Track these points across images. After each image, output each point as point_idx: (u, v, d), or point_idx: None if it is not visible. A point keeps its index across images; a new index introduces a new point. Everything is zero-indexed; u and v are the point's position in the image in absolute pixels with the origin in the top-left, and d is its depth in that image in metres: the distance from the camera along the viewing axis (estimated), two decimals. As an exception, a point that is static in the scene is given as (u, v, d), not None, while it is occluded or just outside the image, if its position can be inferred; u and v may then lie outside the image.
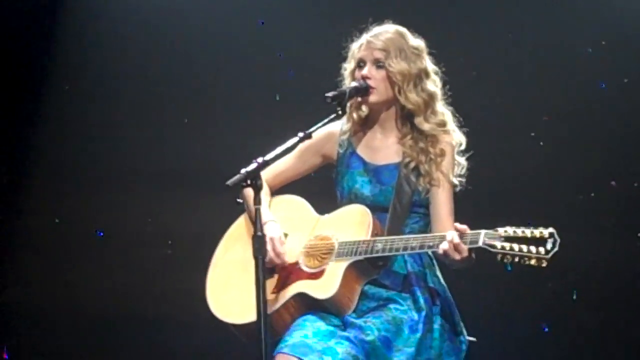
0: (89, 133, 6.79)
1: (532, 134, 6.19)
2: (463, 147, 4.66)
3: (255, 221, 4.09)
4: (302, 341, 4.30)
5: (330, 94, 4.52)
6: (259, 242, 4.06)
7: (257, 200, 4.09)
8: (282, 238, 4.56)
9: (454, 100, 4.70)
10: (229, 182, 4.05)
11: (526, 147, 6.18)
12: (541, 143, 6.18)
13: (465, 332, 4.58)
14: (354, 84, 4.58)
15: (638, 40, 6.09)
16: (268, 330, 4.06)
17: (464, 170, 4.67)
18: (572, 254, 5.97)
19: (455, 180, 4.63)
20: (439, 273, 4.62)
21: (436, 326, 4.47)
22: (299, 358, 4.26)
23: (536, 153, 6.18)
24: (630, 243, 6.03)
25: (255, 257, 4.05)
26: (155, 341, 6.54)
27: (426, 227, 4.58)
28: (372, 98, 4.58)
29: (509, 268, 5.82)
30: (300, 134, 4.35)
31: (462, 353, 4.52)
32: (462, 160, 4.68)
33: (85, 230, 6.76)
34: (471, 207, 4.34)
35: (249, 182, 4.07)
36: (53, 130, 6.84)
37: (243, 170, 4.09)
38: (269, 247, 4.49)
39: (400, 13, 4.74)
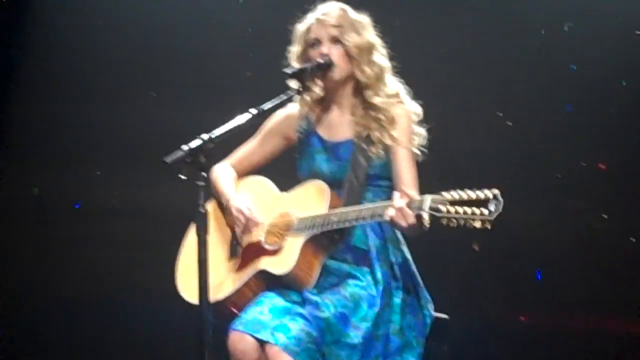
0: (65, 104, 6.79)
1: (500, 114, 6.18)
2: (420, 117, 4.62)
3: (199, 198, 3.98)
4: (256, 318, 4.28)
5: (289, 70, 4.48)
6: (200, 218, 3.97)
7: (200, 177, 3.97)
8: (249, 207, 4.56)
9: (425, 77, 4.69)
10: (168, 159, 3.96)
11: (493, 126, 6.15)
12: (509, 123, 6.17)
13: (431, 306, 4.52)
14: (315, 61, 4.52)
15: (605, 23, 6.07)
16: (210, 308, 4.00)
17: (424, 141, 4.63)
18: (537, 234, 6.05)
19: (416, 150, 4.61)
20: (403, 247, 4.57)
21: (397, 300, 4.43)
22: (251, 334, 4.24)
23: (503, 132, 6.17)
24: (596, 223, 6.02)
25: (198, 234, 3.97)
26: (128, 315, 6.54)
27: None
28: (336, 75, 4.54)
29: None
30: (253, 110, 4.29)
31: (427, 327, 4.48)
32: (422, 131, 4.63)
33: (63, 203, 6.75)
34: (435, 183, 4.30)
35: (190, 159, 3.97)
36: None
37: (185, 147, 3.99)
38: (239, 216, 4.54)
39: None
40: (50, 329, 6.65)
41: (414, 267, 4.59)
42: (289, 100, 4.52)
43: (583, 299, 5.99)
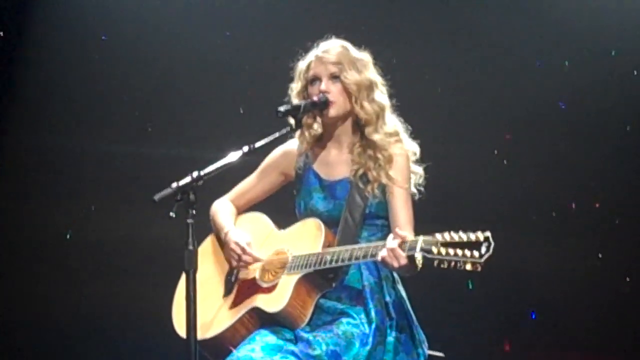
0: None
1: (495, 152, 6.18)
2: (417, 156, 4.60)
3: (188, 235, 4.02)
4: (248, 356, 4.25)
5: (282, 108, 4.45)
6: (189, 255, 3.99)
7: (189, 214, 4.01)
8: (248, 242, 4.54)
9: (420, 114, 4.67)
10: (156, 196, 3.99)
11: (489, 165, 6.16)
12: (505, 162, 6.16)
13: (425, 345, 4.48)
14: (311, 99, 4.52)
15: (599, 62, 6.09)
16: (198, 344, 4.03)
17: (421, 180, 4.61)
18: (533, 273, 6.03)
19: (413, 189, 4.58)
20: (399, 285, 4.54)
21: (390, 339, 4.39)
22: None
23: (499, 171, 6.16)
24: (591, 263, 6.01)
25: (186, 271, 3.98)
26: (117, 348, 6.51)
27: (386, 239, 4.47)
28: (332, 112, 4.52)
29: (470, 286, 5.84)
30: (245, 148, 4.30)
31: None
32: (419, 170, 4.61)
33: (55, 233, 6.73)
34: (431, 222, 4.30)
35: (179, 196, 4.01)
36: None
37: (174, 185, 4.02)
38: (237, 250, 4.52)
39: (366, 29, 4.75)
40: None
41: (409, 306, 4.55)
42: (284, 137, 4.51)
43: (578, 338, 5.97)
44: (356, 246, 4.34)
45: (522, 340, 6.07)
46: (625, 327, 5.90)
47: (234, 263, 4.58)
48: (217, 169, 4.17)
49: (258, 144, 4.34)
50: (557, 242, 6.00)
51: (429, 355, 4.53)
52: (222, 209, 4.76)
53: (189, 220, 4.00)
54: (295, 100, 4.59)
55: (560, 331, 6.00)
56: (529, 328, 6.04)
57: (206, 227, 4.73)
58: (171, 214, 3.97)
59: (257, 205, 4.80)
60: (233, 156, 4.26)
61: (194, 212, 4.01)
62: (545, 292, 5.99)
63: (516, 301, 6.00)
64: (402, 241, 4.12)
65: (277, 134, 4.44)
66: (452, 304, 5.99)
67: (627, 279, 5.92)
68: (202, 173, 4.08)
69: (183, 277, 4.53)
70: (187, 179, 4.04)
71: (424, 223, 4.35)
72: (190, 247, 4.00)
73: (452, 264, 3.96)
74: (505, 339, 6.06)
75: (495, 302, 6.01)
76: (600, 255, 5.96)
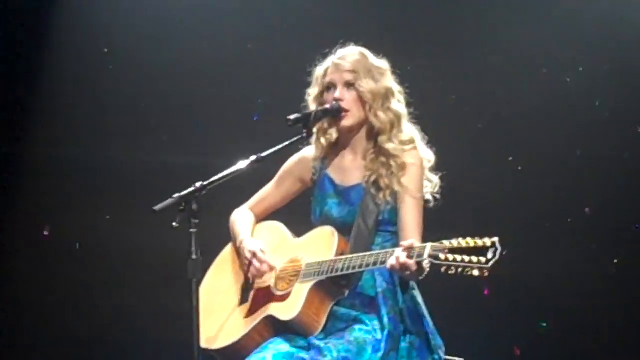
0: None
1: (510, 158, 6.15)
2: (432, 163, 4.57)
3: (191, 244, 4.04)
4: None
5: (292, 117, 4.41)
6: (193, 265, 4.00)
7: (192, 224, 4.03)
8: (263, 249, 4.52)
9: (433, 122, 4.62)
10: (157, 207, 4.00)
11: (504, 171, 6.12)
12: (519, 168, 6.14)
13: (442, 351, 4.44)
14: (323, 106, 4.50)
15: (612, 65, 6.05)
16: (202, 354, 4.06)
17: (437, 188, 4.58)
18: (547, 278, 6.00)
19: (429, 196, 4.55)
20: (414, 291, 4.50)
21: (404, 345, 4.36)
22: None
23: (514, 177, 6.12)
24: (607, 269, 5.98)
25: (190, 280, 3.99)
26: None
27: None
28: (347, 122, 4.49)
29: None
30: (253, 157, 4.29)
31: None
32: (434, 178, 4.58)
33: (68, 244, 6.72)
34: (445, 228, 4.28)
35: (182, 206, 4.02)
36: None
37: (175, 195, 4.03)
38: (249, 256, 4.51)
39: (380, 37, 4.73)
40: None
41: (425, 311, 4.51)
42: (295, 145, 4.49)
43: (592, 345, 5.95)
44: (367, 253, 4.29)
45: (534, 347, 6.03)
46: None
47: (247, 270, 4.56)
48: (223, 177, 4.17)
49: (266, 153, 4.32)
50: (573, 247, 5.96)
51: (448, 360, 4.48)
52: (240, 218, 4.75)
53: (192, 230, 4.02)
54: (312, 106, 4.57)
55: (573, 338, 5.95)
56: (543, 335, 5.99)
57: (225, 235, 4.75)
58: (174, 224, 3.97)
59: (276, 213, 4.79)
60: (240, 165, 4.26)
61: (196, 221, 4.03)
62: (560, 298, 5.94)
63: (531, 308, 5.96)
64: (410, 248, 4.08)
65: (287, 142, 4.41)
66: (468, 310, 5.94)
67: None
68: (205, 183, 4.10)
69: (201, 286, 4.60)
70: (189, 190, 4.06)
71: (437, 230, 4.28)
72: (194, 257, 4.01)
73: (460, 269, 3.92)
74: (518, 345, 6.03)
75: (510, 309, 5.96)
76: (615, 261, 5.92)
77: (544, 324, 6.01)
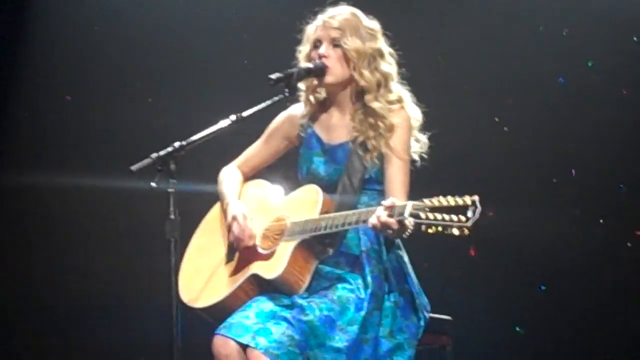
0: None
1: (497, 119, 6.14)
2: (419, 122, 4.55)
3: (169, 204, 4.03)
4: (240, 322, 4.23)
5: (273, 76, 4.37)
6: (170, 225, 3.99)
7: (171, 185, 4.02)
8: (245, 214, 4.50)
9: (419, 83, 4.58)
10: (134, 167, 4.00)
11: (490, 132, 6.08)
12: (505, 129, 6.13)
13: (427, 309, 4.44)
14: (306, 64, 4.47)
15: (600, 30, 6.02)
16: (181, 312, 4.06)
17: (425, 147, 4.57)
18: (532, 238, 6.00)
19: (415, 156, 4.53)
20: (400, 251, 4.49)
21: (388, 304, 4.36)
22: (234, 339, 4.19)
23: (500, 138, 6.10)
24: (594, 229, 5.98)
25: (168, 240, 3.98)
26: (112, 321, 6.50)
27: None
28: (329, 79, 4.47)
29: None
30: (233, 117, 4.26)
31: (420, 329, 4.40)
32: (423, 137, 4.56)
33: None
34: (431, 188, 4.26)
35: (160, 166, 4.02)
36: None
37: (153, 155, 4.02)
38: (233, 224, 4.49)
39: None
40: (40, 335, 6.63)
41: (410, 270, 4.50)
42: (277, 105, 4.46)
43: (578, 305, 5.97)
44: (349, 212, 4.27)
45: (522, 307, 6.04)
46: (631, 293, 5.88)
47: (232, 235, 4.54)
48: (202, 138, 4.16)
49: (246, 113, 4.30)
50: (559, 208, 5.96)
51: (436, 319, 4.53)
52: (228, 177, 4.73)
53: (170, 190, 4.00)
54: (303, 63, 4.53)
55: (561, 298, 5.96)
56: (536, 296, 6.01)
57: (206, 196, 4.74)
58: (152, 183, 3.96)
59: (264, 172, 4.78)
60: (219, 125, 4.24)
61: (174, 181, 4.01)
62: (546, 258, 5.96)
63: (517, 268, 5.97)
64: (391, 207, 4.05)
65: (268, 102, 4.38)
66: (457, 270, 5.97)
67: (628, 244, 5.89)
68: (184, 143, 4.08)
69: (189, 245, 4.65)
70: (167, 149, 4.04)
71: (423, 190, 4.25)
72: (172, 217, 4.00)
73: (440, 228, 3.89)
74: (511, 307, 6.03)
75: (496, 269, 5.98)
76: (601, 221, 5.92)
77: (543, 288, 6.01)
